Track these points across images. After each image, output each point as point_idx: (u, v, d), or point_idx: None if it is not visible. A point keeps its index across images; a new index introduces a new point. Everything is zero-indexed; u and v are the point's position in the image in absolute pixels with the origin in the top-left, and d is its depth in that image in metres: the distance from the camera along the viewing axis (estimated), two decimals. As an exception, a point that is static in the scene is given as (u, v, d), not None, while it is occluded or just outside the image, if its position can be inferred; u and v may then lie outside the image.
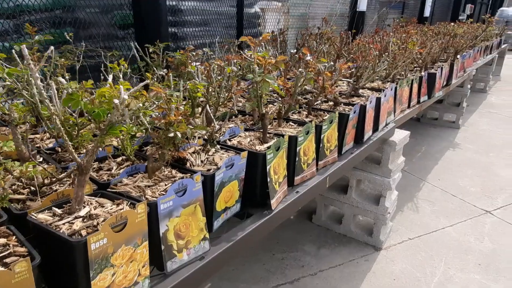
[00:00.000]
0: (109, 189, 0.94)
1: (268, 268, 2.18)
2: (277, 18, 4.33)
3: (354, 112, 1.68)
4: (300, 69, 1.32)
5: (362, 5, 4.72)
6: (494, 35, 7.10)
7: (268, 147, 1.18)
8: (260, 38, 1.16)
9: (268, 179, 1.19)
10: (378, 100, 1.91)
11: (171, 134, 0.92)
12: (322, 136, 1.49)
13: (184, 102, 1.19)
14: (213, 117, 1.30)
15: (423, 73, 2.72)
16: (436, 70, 2.87)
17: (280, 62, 1.17)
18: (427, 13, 7.43)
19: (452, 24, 4.70)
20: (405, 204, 2.90)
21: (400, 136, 2.19)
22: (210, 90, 1.31)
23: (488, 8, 15.89)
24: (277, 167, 1.23)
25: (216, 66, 1.30)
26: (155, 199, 0.88)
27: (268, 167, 1.18)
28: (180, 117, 0.98)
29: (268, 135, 1.34)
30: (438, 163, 3.71)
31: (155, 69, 1.67)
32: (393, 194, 2.35)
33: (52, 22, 2.04)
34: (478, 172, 3.51)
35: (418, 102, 2.74)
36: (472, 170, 3.56)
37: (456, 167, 3.62)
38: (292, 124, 1.50)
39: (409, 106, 2.59)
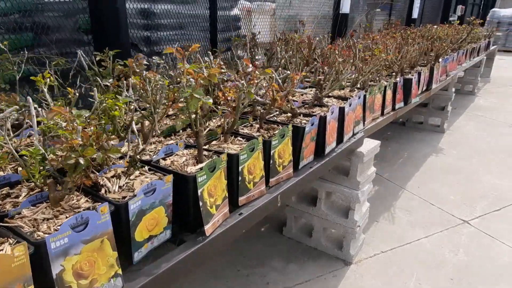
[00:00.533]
0: (1, 223, 0.84)
1: (231, 286, 2.08)
2: (262, 20, 4.25)
3: (312, 124, 1.59)
4: (242, 82, 1.22)
5: (345, 7, 4.63)
6: (482, 36, 7.05)
7: (201, 168, 1.08)
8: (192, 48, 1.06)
9: (201, 203, 1.08)
10: (342, 110, 1.81)
11: (71, 161, 0.82)
12: (272, 151, 1.39)
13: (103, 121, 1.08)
14: (150, 134, 1.20)
15: (398, 79, 2.63)
16: (413, 76, 2.78)
17: (213, 76, 1.07)
18: (415, 15, 7.37)
19: (436, 26, 4.63)
20: (382, 214, 2.81)
21: (369, 146, 2.10)
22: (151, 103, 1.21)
23: (480, 9, 15.91)
24: (213, 189, 1.13)
25: (153, 78, 1.19)
26: (47, 235, 0.78)
27: (200, 190, 1.08)
28: (90, 139, 0.88)
29: (208, 153, 1.24)
30: (419, 170, 3.62)
31: (99, 79, 1.56)
32: (363, 206, 2.26)
33: (8, 27, 1.93)
34: (459, 179, 3.42)
35: (393, 109, 2.65)
36: (454, 176, 3.47)
37: (437, 173, 3.54)
38: (241, 139, 1.40)
39: (382, 114, 2.50)
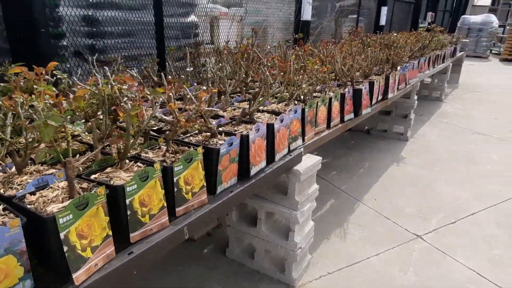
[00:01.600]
0: None
1: (161, 318, 1.91)
2: (230, 27, 4.12)
3: (231, 145, 1.45)
4: (129, 102, 1.07)
5: (306, 14, 4.55)
6: (447, 43, 7.13)
7: (65, 207, 0.92)
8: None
9: (65, 248, 0.92)
10: (271, 127, 1.68)
11: None
12: (176, 178, 1.24)
13: None
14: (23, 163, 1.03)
15: (347, 89, 2.53)
16: (363, 86, 2.69)
17: (78, 99, 0.91)
18: (382, 21, 7.40)
19: (395, 34, 4.60)
20: (334, 231, 2.69)
21: (308, 163, 1.97)
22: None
23: (451, 15, 16.28)
24: (85, 229, 0.97)
25: (22, 99, 1.02)
26: None
27: (64, 233, 0.92)
28: None
29: (89, 184, 1.08)
30: (378, 181, 3.54)
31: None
32: (306, 226, 2.13)
33: None
34: (417, 190, 3.35)
35: (342, 121, 2.54)
36: (412, 187, 3.40)
37: (396, 184, 3.46)
38: (141, 165, 1.25)
39: (328, 127, 2.38)
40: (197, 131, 1.55)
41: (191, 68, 2.35)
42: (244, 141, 1.53)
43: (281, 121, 1.75)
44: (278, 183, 2.03)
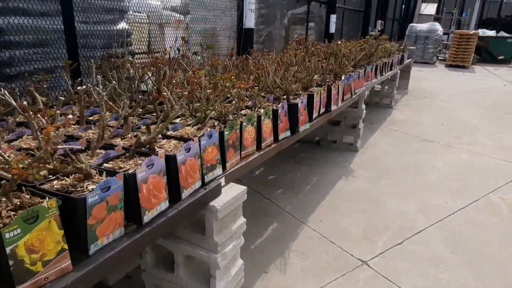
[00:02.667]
0: None
1: None
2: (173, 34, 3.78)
3: (107, 189, 1.11)
4: None
5: (249, 22, 4.31)
6: (395, 51, 7.22)
7: None
8: None
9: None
10: (172, 159, 1.37)
11: None
12: (10, 248, 0.89)
13: None
14: None
15: (280, 105, 2.28)
16: (300, 100, 2.46)
17: None
18: (332, 29, 7.37)
19: (339, 42, 4.49)
20: (274, 261, 2.42)
21: (229, 196, 1.68)
22: None
23: (399, 23, 16.91)
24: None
25: None
26: None
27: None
28: None
29: None
30: (326, 198, 3.33)
31: None
32: (233, 268, 1.82)
33: None
34: (364, 206, 3.17)
35: (277, 140, 2.28)
36: (359, 204, 3.22)
37: (343, 201, 3.27)
38: (-42, 231, 0.89)
39: (259, 149, 2.11)
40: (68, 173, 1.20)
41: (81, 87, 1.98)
42: (131, 182, 1.21)
43: (187, 150, 1.44)
44: (196, 221, 1.72)
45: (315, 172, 3.89)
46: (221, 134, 1.71)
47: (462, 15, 21.33)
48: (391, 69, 6.36)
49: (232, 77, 1.73)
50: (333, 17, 7.27)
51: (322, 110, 3.04)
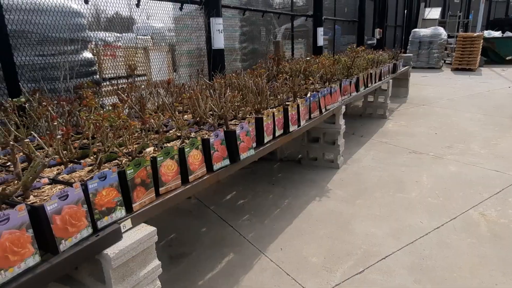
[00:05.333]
0: None
1: None
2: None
3: None
4: None
5: (218, 43, 4.26)
6: (387, 59, 7.04)
7: None
8: None
9: None
10: (41, 210, 1.27)
11: None
12: None
13: None
14: None
15: (213, 134, 2.16)
16: (239, 126, 2.34)
17: None
18: (320, 42, 7.26)
19: (308, 58, 4.36)
20: (218, 299, 2.27)
21: (129, 241, 1.55)
22: None
23: (403, 30, 16.67)
24: None
25: None
26: None
27: None
28: None
29: None
30: (292, 223, 3.16)
31: None
32: (147, 315, 1.69)
33: None
34: (331, 231, 2.99)
35: (210, 171, 2.16)
36: (327, 228, 3.04)
37: (310, 226, 3.09)
38: None
39: (185, 182, 1.99)
40: None
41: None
42: (-25, 241, 1.11)
43: (64, 198, 1.34)
44: (98, 267, 1.60)
45: (288, 195, 3.73)
46: (123, 173, 1.61)
47: (469, 18, 20.88)
48: (380, 80, 6.17)
49: (122, 113, 1.63)
50: (320, 30, 7.17)
51: (280, 132, 2.91)
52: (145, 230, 1.65)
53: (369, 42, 11.70)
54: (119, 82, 3.70)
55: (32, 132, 1.48)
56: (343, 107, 4.34)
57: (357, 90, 5.00)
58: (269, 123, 2.74)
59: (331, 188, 3.85)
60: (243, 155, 2.37)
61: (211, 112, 2.53)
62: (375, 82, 5.89)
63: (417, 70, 14.06)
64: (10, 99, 1.95)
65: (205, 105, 2.22)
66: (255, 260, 2.65)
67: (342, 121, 4.34)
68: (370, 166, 4.45)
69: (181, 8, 4.15)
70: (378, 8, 12.03)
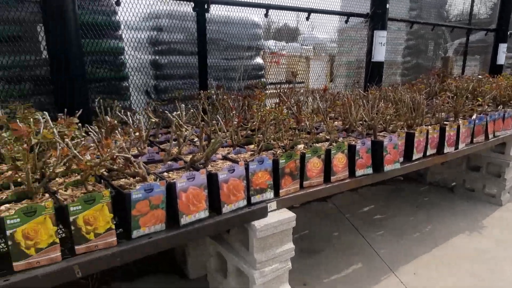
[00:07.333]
0: None
1: None
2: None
3: (150, 191, 1.46)
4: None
5: (378, 55, 4.25)
6: None
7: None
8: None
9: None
10: (214, 176, 1.63)
11: None
12: (72, 218, 1.32)
13: None
14: None
15: (359, 141, 2.25)
16: (388, 138, 2.35)
17: None
18: (501, 60, 6.30)
19: (480, 77, 3.84)
20: (340, 300, 2.34)
21: (272, 219, 1.81)
22: None
23: None
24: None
25: None
26: None
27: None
28: None
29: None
30: (431, 251, 2.94)
31: None
32: (275, 289, 1.92)
33: None
34: (476, 270, 2.66)
35: (352, 175, 2.25)
36: (471, 266, 2.71)
37: (452, 259, 2.81)
38: (50, 199, 1.38)
39: (328, 181, 2.14)
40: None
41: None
42: (172, 188, 1.53)
43: (231, 171, 1.68)
44: (246, 236, 1.92)
45: (432, 221, 3.45)
46: (276, 162, 1.88)
47: None
48: None
49: (283, 111, 1.88)
50: (503, 47, 6.22)
51: (432, 151, 2.77)
52: (286, 214, 1.88)
53: None
54: (280, 86, 4.13)
55: (217, 117, 1.90)
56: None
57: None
58: (421, 140, 2.64)
59: (486, 225, 3.38)
60: (387, 167, 2.37)
61: (360, 122, 2.61)
62: None
63: None
64: (201, 91, 2.49)
65: (357, 114, 2.32)
66: (383, 276, 2.60)
67: (513, 153, 3.73)
68: (546, 212, 3.69)
69: (346, 21, 4.31)
70: None
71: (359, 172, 2.28)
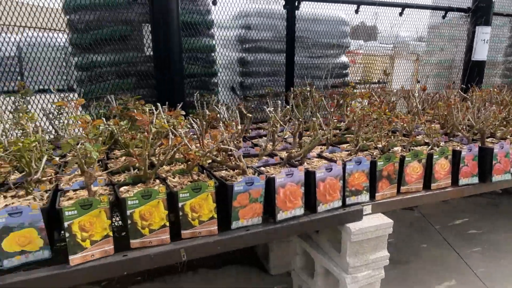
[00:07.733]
0: None
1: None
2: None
3: (251, 184, 1.49)
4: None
5: (480, 53, 3.85)
6: None
7: (72, 204, 1.24)
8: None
9: (68, 235, 1.24)
10: (312, 174, 1.60)
11: None
12: (181, 204, 1.40)
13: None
14: None
15: (466, 147, 2.05)
16: (498, 145, 2.10)
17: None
18: None
19: None
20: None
21: (368, 224, 1.72)
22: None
23: None
24: (88, 225, 1.27)
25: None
26: None
27: (68, 223, 1.23)
28: None
29: (105, 189, 1.38)
30: (542, 276, 2.57)
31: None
32: (365, 296, 1.83)
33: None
34: None
35: (455, 184, 2.06)
36: None
37: None
38: (162, 185, 1.48)
39: (428, 188, 1.99)
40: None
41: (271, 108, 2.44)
42: (271, 183, 1.54)
43: (329, 170, 1.64)
44: (337, 238, 1.86)
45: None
46: (374, 163, 1.79)
47: None
48: None
49: (386, 111, 1.77)
50: None
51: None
52: (383, 220, 1.78)
53: None
54: (366, 86, 3.96)
55: (317, 114, 1.88)
56: None
57: None
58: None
59: None
60: (496, 177, 2.13)
61: (461, 126, 2.38)
62: None
63: None
64: (292, 88, 2.48)
65: (463, 117, 2.12)
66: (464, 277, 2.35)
67: None
68: None
69: (444, 16, 3.98)
70: None
71: (463, 181, 2.08)
